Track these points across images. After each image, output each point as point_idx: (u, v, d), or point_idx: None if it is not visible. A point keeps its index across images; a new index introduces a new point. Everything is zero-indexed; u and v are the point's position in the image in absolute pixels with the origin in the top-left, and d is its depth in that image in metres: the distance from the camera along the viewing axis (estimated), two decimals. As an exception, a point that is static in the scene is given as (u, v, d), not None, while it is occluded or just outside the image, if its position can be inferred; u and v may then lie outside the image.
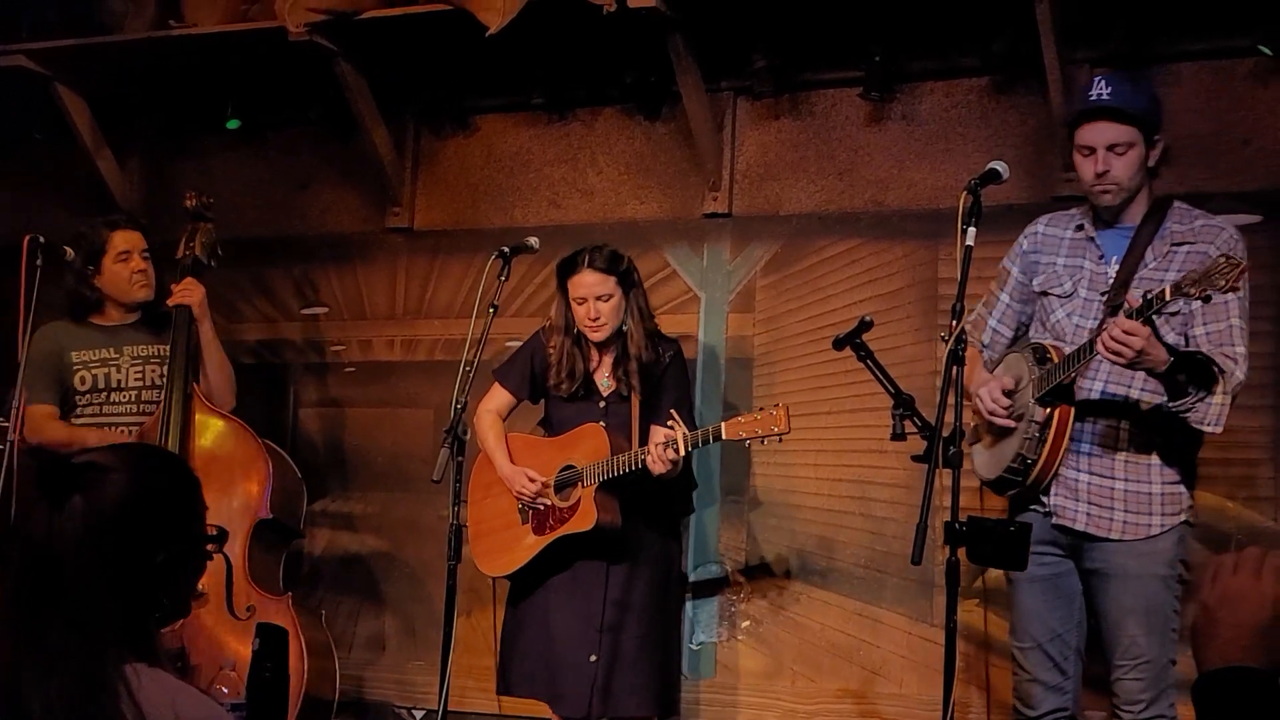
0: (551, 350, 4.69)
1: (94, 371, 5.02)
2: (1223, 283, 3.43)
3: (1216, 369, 3.73)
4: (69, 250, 4.99)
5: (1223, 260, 3.45)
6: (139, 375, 5.06)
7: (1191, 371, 3.71)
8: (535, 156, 5.84)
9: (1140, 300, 3.61)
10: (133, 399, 5.05)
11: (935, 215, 5.11)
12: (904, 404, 3.92)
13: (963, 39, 5.11)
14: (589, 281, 4.57)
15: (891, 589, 5.09)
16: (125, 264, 5.04)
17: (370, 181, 6.01)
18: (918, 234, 5.20)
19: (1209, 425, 3.78)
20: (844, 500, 5.22)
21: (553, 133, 5.82)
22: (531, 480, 4.58)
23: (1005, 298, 4.14)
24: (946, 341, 3.66)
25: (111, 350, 5.05)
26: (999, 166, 3.79)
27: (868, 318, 4.05)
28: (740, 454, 5.33)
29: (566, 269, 4.62)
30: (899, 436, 3.87)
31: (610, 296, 4.57)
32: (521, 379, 4.79)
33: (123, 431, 4.99)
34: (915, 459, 3.98)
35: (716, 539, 5.37)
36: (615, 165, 5.71)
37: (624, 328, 4.62)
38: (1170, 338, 3.80)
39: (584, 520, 4.48)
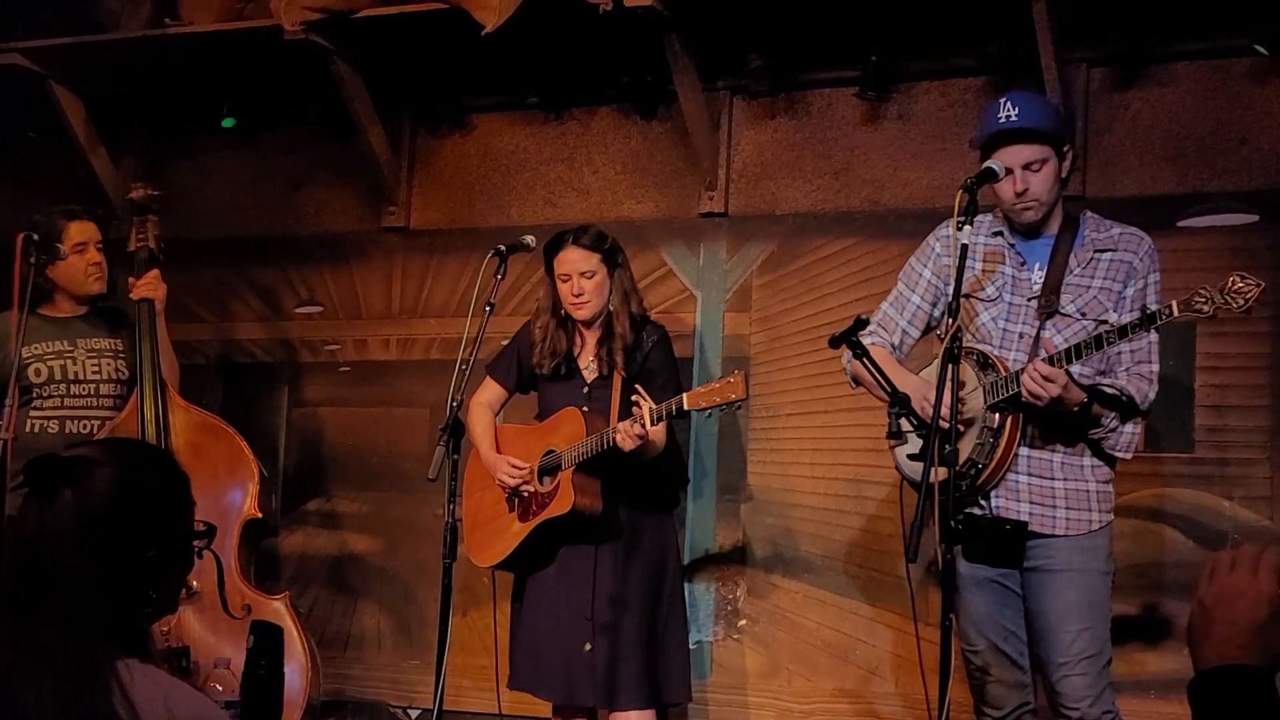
0: (537, 330, 4.70)
1: (50, 364, 4.95)
2: (1241, 301, 3.43)
3: (1127, 400, 3.81)
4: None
5: (1238, 278, 3.45)
6: (95, 368, 5.00)
7: (1107, 402, 3.82)
8: (531, 155, 5.83)
9: (1141, 313, 3.69)
10: (91, 392, 4.99)
11: (931, 214, 5.09)
12: (899, 402, 3.90)
13: (959, 39, 5.11)
14: (573, 258, 4.58)
15: (887, 588, 5.09)
16: (81, 255, 4.97)
17: (366, 180, 6.01)
18: (914, 233, 5.16)
19: (1120, 451, 3.91)
20: (840, 499, 5.21)
21: (549, 132, 5.81)
22: (515, 468, 4.59)
23: (916, 299, 4.15)
24: (942, 339, 3.66)
25: (65, 343, 4.99)
26: (995, 165, 3.80)
27: (863, 316, 4.03)
28: (736, 453, 5.33)
29: (552, 247, 4.64)
30: (895, 435, 3.87)
31: (594, 274, 4.58)
32: (509, 370, 4.80)
33: (84, 424, 4.97)
34: (910, 457, 3.98)
35: (712, 538, 5.36)
36: (611, 164, 5.71)
37: (609, 307, 4.62)
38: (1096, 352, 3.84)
39: (561, 504, 4.48)
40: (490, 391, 4.81)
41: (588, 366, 4.66)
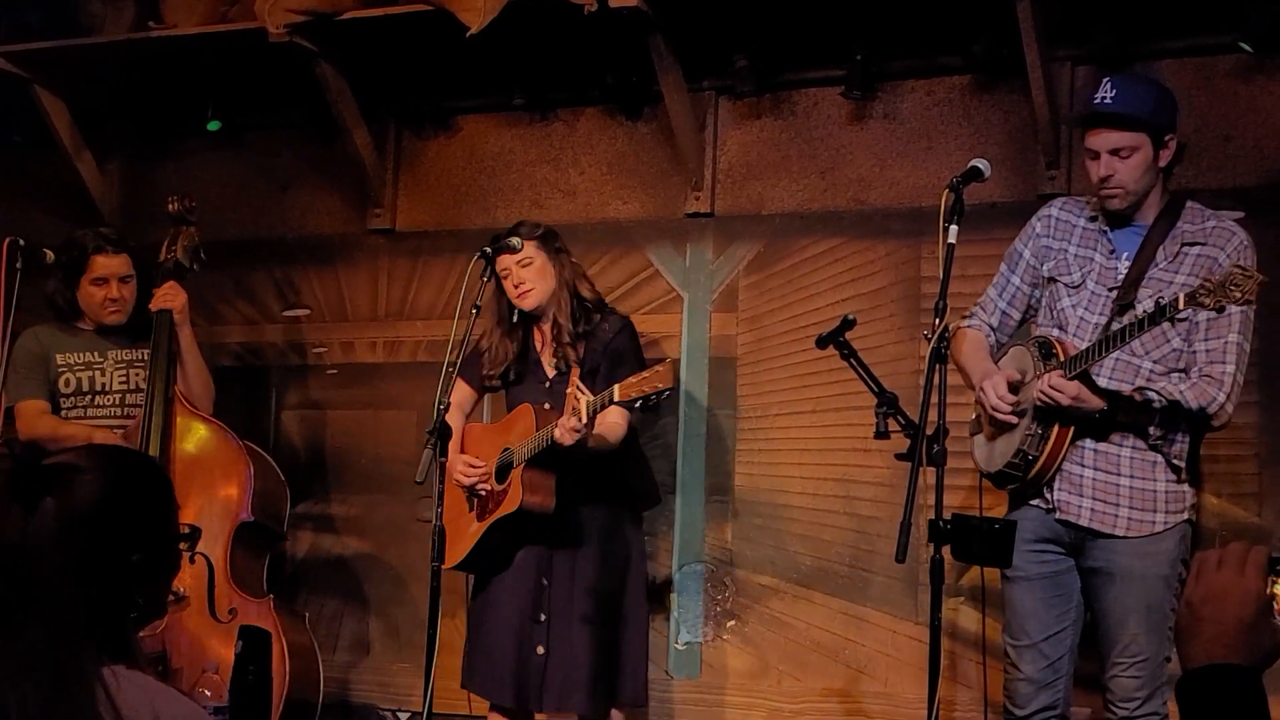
0: (483, 340, 4.72)
1: (78, 375, 5.01)
2: (1238, 294, 3.45)
3: (1169, 405, 3.76)
4: (48, 253, 4.96)
5: (1238, 271, 3.47)
6: (123, 379, 5.04)
7: (1137, 410, 3.79)
8: (517, 157, 5.82)
9: (1154, 305, 3.64)
10: (116, 402, 5.03)
11: (918, 214, 5.11)
12: (887, 402, 3.90)
13: (944, 38, 5.11)
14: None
15: (876, 587, 5.09)
16: (100, 289, 5.01)
17: (351, 183, 5.99)
18: (900, 232, 5.19)
19: (1176, 459, 3.86)
20: (828, 499, 5.21)
21: (534, 133, 5.80)
22: (472, 466, 4.58)
23: (1016, 280, 4.12)
24: (929, 339, 3.66)
25: (95, 354, 5.04)
26: (980, 164, 3.79)
27: (851, 316, 4.04)
28: (724, 453, 5.33)
29: (492, 253, 4.60)
30: (883, 435, 3.86)
31: (530, 261, 4.59)
32: (474, 370, 4.79)
33: (107, 435, 4.97)
34: (899, 457, 3.96)
35: (701, 539, 5.36)
36: (597, 165, 5.70)
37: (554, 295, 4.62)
38: (1175, 343, 3.83)
39: (511, 502, 4.48)
40: (459, 393, 4.77)
41: (549, 364, 4.66)
